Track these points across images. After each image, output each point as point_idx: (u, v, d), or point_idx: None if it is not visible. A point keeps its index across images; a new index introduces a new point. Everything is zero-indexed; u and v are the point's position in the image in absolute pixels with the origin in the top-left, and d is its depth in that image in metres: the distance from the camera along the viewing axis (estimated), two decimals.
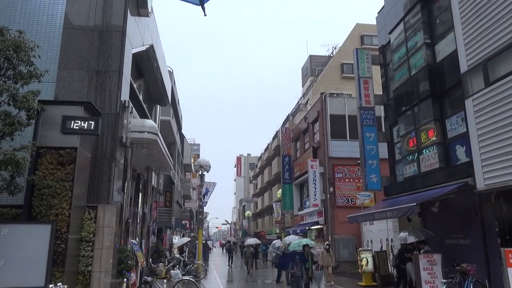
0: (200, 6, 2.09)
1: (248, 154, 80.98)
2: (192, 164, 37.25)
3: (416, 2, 13.63)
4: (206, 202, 20.25)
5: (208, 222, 78.93)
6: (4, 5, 9.18)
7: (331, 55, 36.40)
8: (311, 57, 41.63)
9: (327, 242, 16.90)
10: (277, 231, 34.68)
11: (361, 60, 17.31)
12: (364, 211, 15.55)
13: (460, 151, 11.74)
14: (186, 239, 22.62)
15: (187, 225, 40.22)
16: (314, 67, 39.75)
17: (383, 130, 18.40)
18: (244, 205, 63.20)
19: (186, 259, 20.52)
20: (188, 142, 38.94)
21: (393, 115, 15.82)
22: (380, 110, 19.58)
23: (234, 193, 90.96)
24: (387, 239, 17.20)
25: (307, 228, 25.00)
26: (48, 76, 7.95)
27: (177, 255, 21.23)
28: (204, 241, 30.76)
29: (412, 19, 13.99)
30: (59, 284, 6.21)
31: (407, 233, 11.50)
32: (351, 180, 22.74)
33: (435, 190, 11.77)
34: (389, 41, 15.88)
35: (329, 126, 23.30)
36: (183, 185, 35.80)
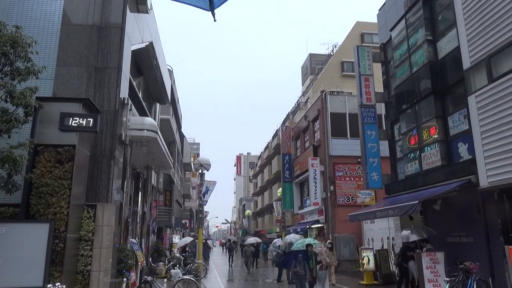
0: (210, 12, 2.03)
1: (248, 153, 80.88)
2: (192, 163, 37.14)
3: None
4: (206, 201, 20.14)
5: (208, 221, 78.86)
6: (1, 1, 9.06)
7: (331, 53, 36.29)
8: (311, 56, 41.50)
9: (329, 241, 16.79)
10: (278, 230, 34.59)
11: (362, 58, 17.20)
12: (365, 210, 15.44)
13: (462, 148, 11.64)
14: (189, 239, 22.46)
15: (187, 224, 40.13)
16: (314, 65, 39.63)
17: (384, 128, 18.30)
18: (244, 204, 63.13)
19: (188, 259, 20.39)
20: (188, 141, 38.82)
21: (394, 113, 15.71)
22: (380, 108, 19.48)
23: (234, 192, 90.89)
24: (388, 238, 17.11)
25: (307, 227, 24.90)
26: (46, 73, 7.85)
27: (177, 254, 21.14)
28: (204, 240, 30.66)
29: (413, 15, 13.87)
30: (57, 284, 6.11)
31: (409, 231, 11.40)
32: (352, 178, 22.64)
33: (437, 188, 11.67)
34: (390, 38, 15.76)
35: (329, 124, 23.19)
36: (183, 184, 35.71)
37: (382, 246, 17.06)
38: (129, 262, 9.31)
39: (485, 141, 9.79)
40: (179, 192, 31.22)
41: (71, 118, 7.17)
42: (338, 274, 17.55)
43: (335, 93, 25.07)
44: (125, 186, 9.90)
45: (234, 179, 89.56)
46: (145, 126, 10.03)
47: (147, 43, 12.19)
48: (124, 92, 9.37)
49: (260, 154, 49.97)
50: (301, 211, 27.34)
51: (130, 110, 9.65)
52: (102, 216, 7.83)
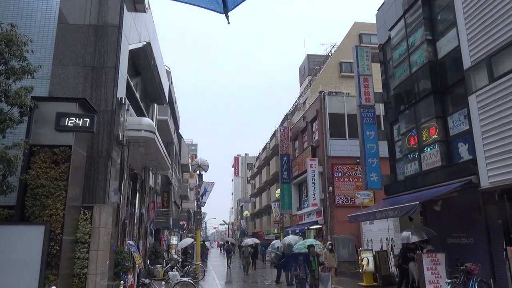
0: (224, 14, 1.97)
1: (246, 154, 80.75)
2: (189, 164, 36.97)
3: None
4: (205, 202, 20.02)
5: (206, 223, 78.64)
6: None
7: (329, 54, 36.21)
8: (309, 56, 41.39)
9: (329, 242, 16.66)
10: (276, 231, 34.45)
11: (360, 58, 17.13)
12: (365, 210, 15.35)
13: (462, 148, 11.56)
14: (190, 240, 22.22)
15: (185, 226, 39.96)
16: (312, 66, 39.53)
17: (383, 129, 18.23)
18: (242, 205, 62.95)
19: (189, 261, 20.23)
20: (186, 142, 38.67)
21: (393, 113, 15.63)
22: (379, 109, 19.40)
23: (232, 193, 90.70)
24: (387, 239, 17.01)
25: (306, 228, 24.78)
26: (42, 72, 7.72)
27: (175, 256, 20.99)
28: (202, 242, 30.48)
29: (412, 15, 13.80)
30: (53, 287, 5.98)
31: (409, 233, 11.29)
32: (351, 179, 22.54)
33: (438, 189, 11.58)
34: (389, 38, 15.69)
35: (328, 125, 23.09)
36: (181, 186, 35.56)
37: (381, 247, 16.96)
38: (127, 264, 9.18)
39: (486, 141, 9.71)
40: (176, 193, 31.07)
41: (67, 118, 7.03)
42: (337, 275, 17.44)
43: (334, 93, 24.99)
44: (122, 187, 9.76)
45: (232, 180, 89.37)
46: (142, 126, 9.91)
47: (145, 43, 12.07)
48: (121, 92, 9.25)
49: (258, 155, 49.84)
50: (300, 212, 27.23)
51: (128, 110, 9.52)
52: (99, 218, 7.69)
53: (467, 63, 10.58)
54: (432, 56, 12.83)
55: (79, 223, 7.42)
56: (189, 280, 11.96)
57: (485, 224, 10.61)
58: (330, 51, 36.39)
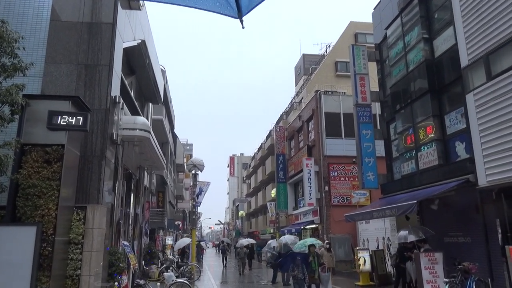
0: (238, 19, 1.92)
1: (241, 154, 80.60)
2: (185, 164, 36.83)
3: None
4: (200, 202, 19.86)
5: (201, 223, 78.44)
6: None
7: (325, 53, 36.17)
8: (304, 56, 41.34)
9: (327, 241, 16.57)
10: (271, 231, 34.37)
11: (357, 57, 17.07)
12: (361, 210, 15.29)
13: (459, 147, 11.52)
14: (187, 240, 22.01)
15: (180, 226, 39.78)
16: (308, 66, 39.47)
17: (379, 128, 18.17)
18: (238, 205, 62.83)
19: (185, 261, 20.06)
20: (181, 142, 38.49)
21: (390, 112, 15.58)
22: (375, 108, 19.35)
23: (227, 193, 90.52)
24: (383, 238, 16.96)
25: (302, 227, 24.72)
26: (34, 70, 7.56)
27: (171, 256, 20.84)
28: (198, 242, 30.33)
29: (409, 13, 13.75)
30: None
31: (407, 232, 11.23)
32: (347, 178, 22.51)
33: (435, 188, 11.53)
34: (386, 37, 15.64)
35: (324, 124, 23.04)
36: (176, 186, 35.38)
37: (377, 246, 16.92)
38: (121, 265, 9.03)
39: (484, 139, 9.67)
40: (172, 193, 30.90)
41: (59, 117, 6.87)
42: (334, 275, 17.37)
43: (330, 92, 24.92)
44: (116, 187, 9.61)
45: (228, 180, 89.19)
46: (137, 125, 9.75)
47: (139, 41, 11.91)
48: (115, 91, 9.09)
49: (254, 155, 49.75)
50: (296, 211, 27.16)
51: (122, 109, 9.37)
52: (92, 218, 7.54)
53: (464, 61, 10.53)
54: (429, 54, 12.79)
55: (72, 223, 7.27)
56: (185, 281, 11.82)
57: (482, 223, 10.57)
58: (326, 50, 36.37)
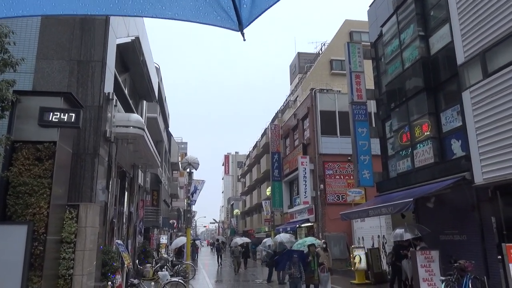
0: (239, 32, 1.93)
1: (236, 152, 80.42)
2: (179, 162, 36.64)
3: None
4: (195, 201, 19.70)
5: (196, 221, 78.25)
6: None
7: (320, 51, 36.12)
8: (299, 54, 41.27)
9: (323, 240, 16.50)
10: (266, 229, 34.32)
11: (352, 54, 17.00)
12: (357, 208, 15.25)
13: (455, 145, 11.49)
14: (185, 239, 21.84)
15: (175, 225, 39.61)
16: (303, 64, 39.41)
17: (374, 126, 18.14)
18: (233, 203, 62.73)
19: (179, 260, 19.90)
20: (175, 140, 38.30)
21: (385, 110, 15.54)
22: (370, 106, 19.33)
23: (222, 192, 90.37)
24: (379, 236, 16.94)
25: (297, 226, 24.67)
26: (25, 66, 7.42)
27: (165, 255, 20.68)
28: (192, 241, 30.18)
29: (405, 11, 13.70)
30: None
31: (403, 230, 11.19)
32: (342, 176, 22.46)
33: (431, 185, 11.49)
34: (381, 34, 15.58)
35: (319, 122, 22.97)
36: (171, 184, 35.21)
37: (373, 244, 16.89)
38: (115, 264, 8.91)
39: (480, 137, 9.63)
40: (166, 192, 30.73)
41: (51, 113, 6.74)
42: (332, 274, 17.33)
43: (325, 91, 24.86)
44: (110, 185, 9.48)
45: (222, 179, 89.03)
46: (131, 122, 9.63)
47: (133, 38, 11.76)
48: (108, 87, 8.96)
49: (249, 153, 49.64)
50: (291, 210, 27.10)
51: (115, 106, 9.24)
52: (85, 216, 7.41)
53: (460, 58, 10.49)
54: (425, 52, 12.74)
55: (64, 222, 7.14)
56: (179, 280, 11.71)
57: (478, 221, 10.54)
58: (321, 48, 36.32)
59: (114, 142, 9.36)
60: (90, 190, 7.85)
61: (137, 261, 14.91)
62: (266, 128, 36.94)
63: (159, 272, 12.15)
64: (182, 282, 11.71)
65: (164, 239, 26.69)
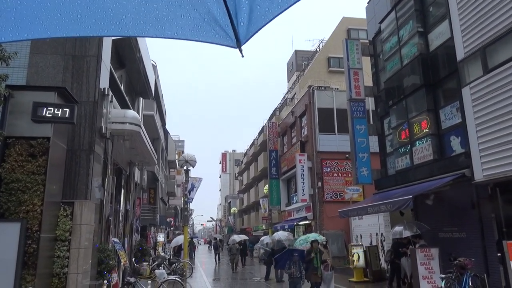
0: (237, 49, 1.99)
1: (234, 150, 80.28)
2: (176, 160, 36.44)
3: None
4: (192, 198, 19.56)
5: (193, 219, 78.12)
6: None
7: (318, 49, 36.00)
8: (296, 52, 41.14)
9: (324, 238, 16.37)
10: (264, 227, 34.23)
11: (350, 51, 16.89)
12: (356, 205, 15.15)
13: (455, 142, 11.40)
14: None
15: (172, 223, 39.45)
16: (300, 62, 39.27)
17: (372, 123, 18.05)
18: (230, 201, 62.60)
19: (176, 258, 19.79)
20: (172, 138, 38.11)
21: (383, 107, 15.44)
22: (368, 103, 19.23)
23: (220, 190, 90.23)
24: (377, 234, 16.86)
25: (295, 223, 24.57)
26: (18, 61, 7.28)
27: (162, 253, 20.57)
28: (190, 239, 30.04)
29: (404, 7, 13.58)
30: None
31: (402, 227, 11.11)
32: (340, 174, 22.38)
33: (431, 183, 11.40)
34: (379, 31, 15.47)
35: (317, 119, 22.86)
36: (168, 182, 35.05)
37: (371, 242, 16.81)
38: (111, 262, 8.78)
39: (480, 133, 9.54)
40: (163, 190, 30.58)
41: (45, 108, 6.58)
42: None
43: (323, 88, 24.76)
44: (106, 182, 9.34)
45: (220, 177, 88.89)
46: (127, 119, 9.49)
47: None
48: (104, 83, 8.81)
49: (246, 151, 49.53)
50: (288, 208, 27.02)
51: (111, 101, 9.09)
52: (80, 214, 7.28)
53: (460, 54, 10.39)
54: (424, 48, 12.64)
55: (58, 219, 7.00)
56: (177, 278, 11.59)
57: (478, 218, 10.46)
58: (319, 46, 36.19)
59: (110, 139, 9.22)
60: (85, 187, 7.71)
61: (133, 259, 14.78)
62: (263, 126, 36.81)
63: (156, 271, 12.03)
64: (179, 280, 11.59)
65: (161, 237, 26.55)
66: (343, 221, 19.17)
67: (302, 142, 24.36)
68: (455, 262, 9.44)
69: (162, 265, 16.26)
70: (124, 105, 12.45)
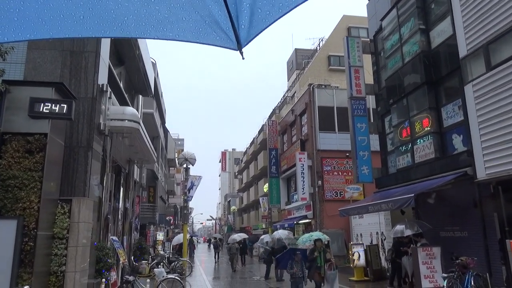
0: (238, 51, 2.03)
1: (233, 149, 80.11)
2: (176, 159, 36.34)
3: None
4: (192, 197, 19.48)
5: (192, 218, 78.02)
6: None
7: (318, 47, 35.87)
8: (296, 51, 41.02)
9: (327, 237, 16.26)
10: (264, 226, 34.14)
11: (351, 49, 16.78)
12: (356, 204, 15.05)
13: (457, 140, 11.30)
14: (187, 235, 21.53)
15: (172, 221, 39.37)
16: (300, 60, 39.14)
17: (372, 121, 17.94)
18: (230, 200, 62.50)
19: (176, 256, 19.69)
20: (172, 137, 38.00)
21: (384, 105, 15.34)
22: (369, 102, 19.13)
23: (219, 189, 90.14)
24: (377, 233, 16.76)
25: (295, 222, 24.48)
26: (16, 56, 7.18)
27: (162, 252, 20.48)
28: (190, 237, 29.97)
29: (405, 4, 13.47)
30: (25, 287, 5.47)
31: (403, 226, 11.00)
32: (340, 173, 22.28)
33: (432, 181, 11.30)
34: (380, 28, 15.36)
35: (317, 118, 22.75)
36: (167, 181, 34.95)
37: (371, 241, 16.72)
38: (109, 261, 8.68)
39: (483, 131, 9.44)
40: (163, 189, 30.49)
41: (42, 104, 6.48)
42: None
43: (323, 86, 24.61)
44: (104, 180, 9.24)
45: (219, 176, 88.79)
46: (126, 116, 9.39)
47: None
48: (102, 79, 8.70)
49: (246, 150, 49.42)
50: (288, 206, 26.92)
51: (110, 98, 8.99)
52: (78, 211, 7.17)
53: (463, 51, 10.29)
54: (426, 46, 12.53)
55: (56, 217, 6.90)
56: (176, 277, 11.49)
57: (480, 217, 10.36)
58: (319, 44, 36.05)
59: (109, 136, 9.12)
60: (84, 184, 7.61)
61: (132, 257, 14.69)
62: (263, 124, 36.70)
63: (155, 269, 11.94)
64: (179, 279, 11.49)
65: (160, 236, 26.46)
66: (343, 220, 19.07)
67: (302, 141, 24.25)
68: (457, 261, 9.35)
69: (161, 263, 16.16)
70: (123, 103, 12.34)
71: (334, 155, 22.29)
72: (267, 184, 30.45)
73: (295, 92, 33.32)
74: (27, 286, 5.54)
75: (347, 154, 20.63)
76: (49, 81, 7.72)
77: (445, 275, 9.19)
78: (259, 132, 38.81)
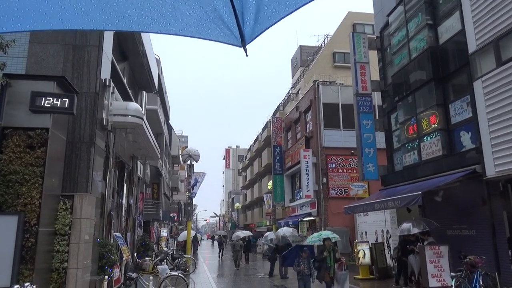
0: (242, 48, 1.99)
1: (237, 146, 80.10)
2: (180, 155, 36.30)
3: None
4: (195, 193, 19.37)
5: (196, 215, 78.07)
6: None
7: (323, 43, 35.62)
8: (301, 48, 40.78)
9: (337, 236, 16.08)
10: (268, 223, 34.04)
11: (357, 45, 16.57)
12: (362, 201, 14.90)
13: (465, 137, 11.11)
14: (192, 232, 21.48)
15: (175, 218, 39.35)
16: (304, 57, 38.90)
17: (378, 118, 17.75)
18: (233, 197, 62.47)
19: (179, 253, 19.63)
20: (176, 134, 37.93)
21: (391, 102, 15.15)
22: (374, 99, 18.92)
23: (223, 186, 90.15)
24: (382, 231, 16.60)
25: (299, 220, 24.36)
26: (18, 50, 7.08)
27: (165, 249, 20.40)
28: (194, 234, 29.89)
29: None
30: (26, 284, 5.35)
31: (410, 224, 10.84)
32: (345, 170, 22.10)
33: (439, 179, 11.13)
34: (387, 24, 15.15)
35: (322, 115, 22.56)
36: (171, 177, 34.90)
37: (376, 239, 16.56)
38: (112, 257, 8.59)
39: (493, 128, 9.25)
40: (167, 185, 30.42)
41: (43, 98, 6.36)
42: None
43: (328, 83, 24.41)
44: (107, 176, 9.14)
45: (223, 173, 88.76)
46: (129, 111, 9.27)
47: None
48: (105, 73, 8.59)
49: (250, 147, 49.30)
50: (293, 203, 26.79)
51: (113, 93, 8.88)
52: (80, 207, 7.07)
53: (472, 47, 10.08)
54: (433, 41, 12.33)
55: (58, 213, 6.80)
56: (179, 274, 11.39)
57: (488, 215, 10.18)
58: (324, 41, 35.79)
59: (112, 131, 9.02)
60: (86, 180, 7.50)
61: (136, 254, 14.62)
62: (267, 121, 36.54)
63: (159, 266, 11.84)
64: (182, 276, 11.39)
65: (164, 233, 26.41)
66: (347, 217, 18.93)
67: (307, 138, 24.08)
68: (465, 260, 9.18)
69: (165, 260, 16.08)
70: (126, 98, 12.23)
71: (339, 152, 22.11)
72: (271, 181, 30.32)
73: (299, 89, 33.12)
74: (28, 283, 5.43)
75: (352, 151, 20.45)
76: (51, 75, 7.62)
77: (453, 274, 9.02)
78: (263, 129, 38.66)
